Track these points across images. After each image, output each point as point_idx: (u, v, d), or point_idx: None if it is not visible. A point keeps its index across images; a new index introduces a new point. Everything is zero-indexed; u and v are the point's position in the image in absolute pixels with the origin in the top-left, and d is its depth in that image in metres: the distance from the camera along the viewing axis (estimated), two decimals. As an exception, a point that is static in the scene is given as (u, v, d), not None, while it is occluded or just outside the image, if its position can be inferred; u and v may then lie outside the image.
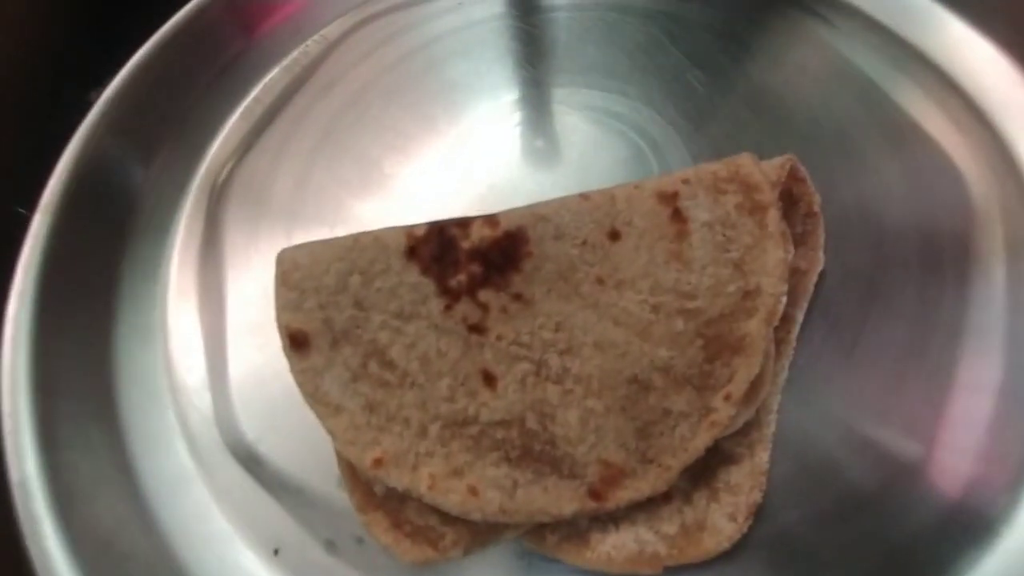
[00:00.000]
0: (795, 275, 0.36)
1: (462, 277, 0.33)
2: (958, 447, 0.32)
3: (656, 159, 0.43)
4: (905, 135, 0.43)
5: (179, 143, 0.47)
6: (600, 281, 0.33)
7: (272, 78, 0.50)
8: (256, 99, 0.49)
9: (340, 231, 0.42)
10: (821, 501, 0.31)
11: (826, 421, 0.33)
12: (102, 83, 0.48)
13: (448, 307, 0.32)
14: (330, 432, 0.30)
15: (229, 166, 0.46)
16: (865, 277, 0.38)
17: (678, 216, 0.34)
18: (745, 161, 0.34)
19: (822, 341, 0.35)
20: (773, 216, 0.33)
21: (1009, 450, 0.32)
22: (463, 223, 0.34)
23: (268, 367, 0.36)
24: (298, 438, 0.34)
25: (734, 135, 0.44)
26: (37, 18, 0.55)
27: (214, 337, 0.38)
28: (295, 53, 0.51)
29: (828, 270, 0.37)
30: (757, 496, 0.30)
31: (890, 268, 0.38)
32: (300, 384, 0.31)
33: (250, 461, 0.34)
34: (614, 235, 0.34)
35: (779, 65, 0.47)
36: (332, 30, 0.52)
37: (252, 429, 0.35)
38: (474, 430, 0.30)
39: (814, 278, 0.36)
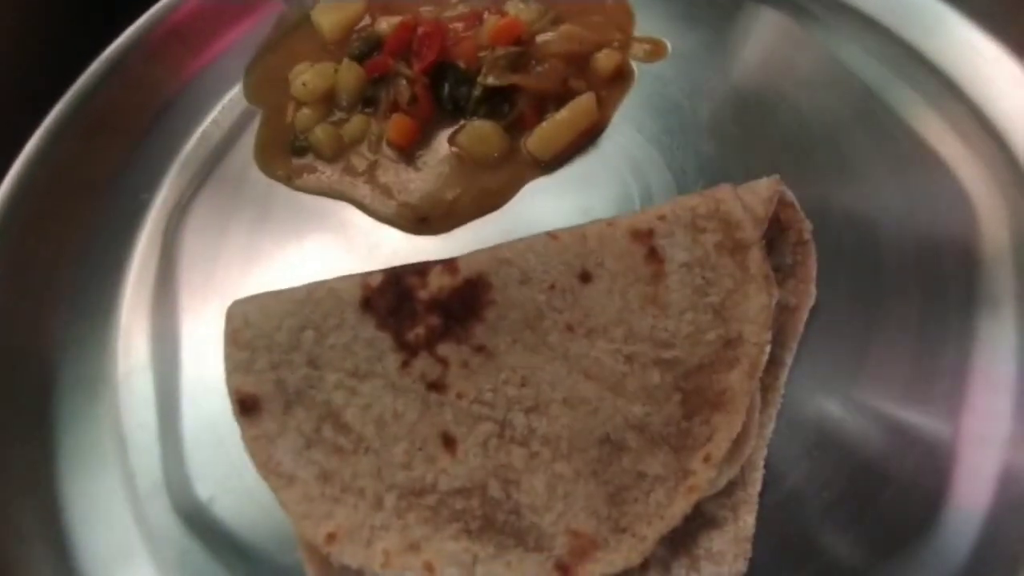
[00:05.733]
0: (784, 312, 0.33)
1: (420, 330, 0.30)
2: (965, 505, 0.30)
3: (636, 182, 0.40)
4: (905, 147, 0.39)
5: (133, 170, 0.44)
6: (570, 329, 0.30)
7: (232, 98, 0.47)
8: (215, 122, 0.46)
9: (299, 266, 0.40)
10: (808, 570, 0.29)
11: (816, 475, 0.31)
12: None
13: (405, 363, 0.30)
14: (283, 505, 0.28)
15: (186, 197, 0.43)
16: (861, 309, 0.35)
17: (654, 256, 0.31)
18: (725, 195, 0.31)
19: (817, 381, 0.32)
20: (755, 256, 0.30)
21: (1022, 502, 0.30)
22: (421, 270, 0.31)
23: (225, 421, 0.34)
24: (254, 496, 0.32)
25: (719, 151, 0.41)
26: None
27: (167, 389, 0.36)
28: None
29: (821, 300, 0.35)
30: (741, 565, 0.28)
31: (888, 297, 0.35)
32: (252, 453, 0.29)
33: (202, 526, 0.32)
34: (585, 277, 0.31)
35: (767, 71, 0.43)
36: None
37: (205, 488, 0.33)
38: (432, 500, 0.28)
39: (804, 315, 0.33)
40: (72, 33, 0.53)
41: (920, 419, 0.31)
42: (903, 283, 0.35)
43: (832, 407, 0.32)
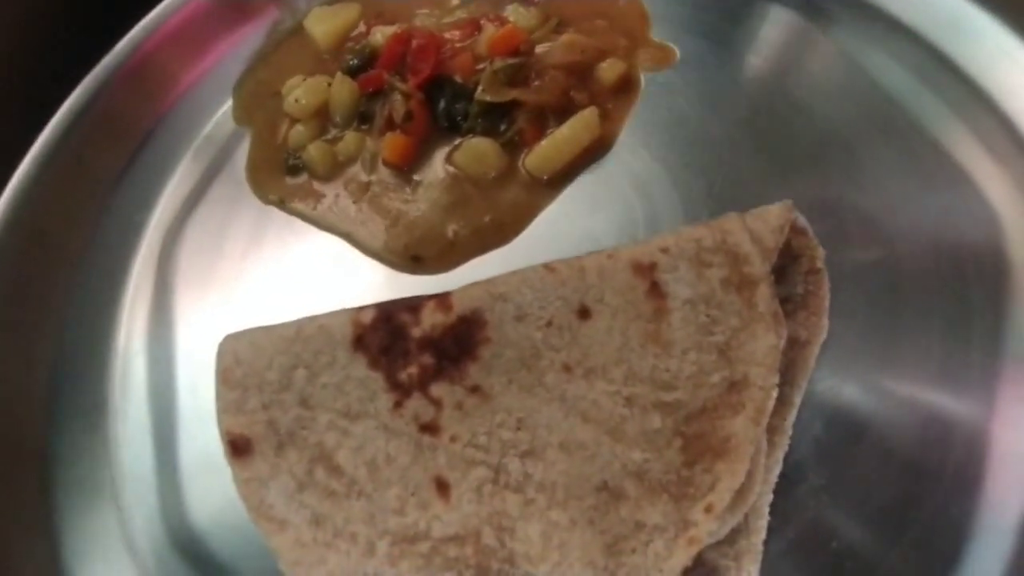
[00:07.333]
0: (794, 347, 0.31)
1: (413, 370, 0.29)
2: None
3: (641, 203, 0.38)
4: (929, 161, 0.37)
5: (128, 189, 0.44)
6: (567, 369, 0.29)
7: (225, 111, 0.46)
8: (208, 137, 0.45)
9: (295, 290, 0.39)
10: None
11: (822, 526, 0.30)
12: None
13: (398, 404, 0.29)
14: (275, 551, 0.28)
15: (180, 217, 0.42)
16: (878, 336, 0.33)
17: (656, 291, 0.30)
18: (733, 226, 0.30)
19: (825, 426, 0.31)
20: (764, 293, 0.28)
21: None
22: (413, 306, 0.30)
23: (221, 451, 0.34)
24: (250, 528, 0.32)
25: (729, 169, 0.38)
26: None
27: (163, 418, 0.36)
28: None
29: (834, 327, 0.33)
30: (744, 617, 0.27)
31: (908, 329, 0.33)
32: (244, 497, 0.29)
33: (197, 560, 0.32)
34: (583, 313, 0.30)
35: (780, 78, 0.41)
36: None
37: (201, 521, 0.33)
38: (425, 547, 0.27)
39: (815, 351, 0.31)
40: (73, 35, 0.53)
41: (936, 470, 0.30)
42: (924, 320, 0.33)
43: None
